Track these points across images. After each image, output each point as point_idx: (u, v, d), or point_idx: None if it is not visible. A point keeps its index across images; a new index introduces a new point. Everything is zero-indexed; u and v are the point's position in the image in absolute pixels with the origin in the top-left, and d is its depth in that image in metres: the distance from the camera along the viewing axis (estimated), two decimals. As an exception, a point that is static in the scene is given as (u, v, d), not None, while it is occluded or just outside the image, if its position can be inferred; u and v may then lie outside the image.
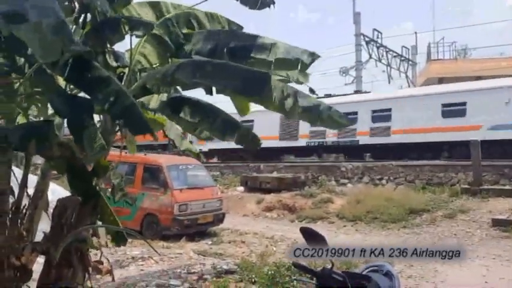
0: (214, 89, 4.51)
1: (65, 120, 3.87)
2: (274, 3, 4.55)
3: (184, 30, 4.82)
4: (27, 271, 3.95)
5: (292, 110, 4.19)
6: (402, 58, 36.05)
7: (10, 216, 3.88)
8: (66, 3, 4.09)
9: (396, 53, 35.60)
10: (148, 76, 4.45)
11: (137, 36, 4.47)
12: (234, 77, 3.88)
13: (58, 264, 4.04)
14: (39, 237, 4.36)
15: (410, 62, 37.11)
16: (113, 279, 5.09)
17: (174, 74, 4.01)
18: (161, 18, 4.83)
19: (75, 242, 4.07)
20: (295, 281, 5.94)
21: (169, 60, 4.84)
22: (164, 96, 5.03)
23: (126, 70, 4.74)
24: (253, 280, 6.34)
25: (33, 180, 4.53)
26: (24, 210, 4.13)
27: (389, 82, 35.03)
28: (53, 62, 3.61)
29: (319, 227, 12.56)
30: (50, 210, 4.38)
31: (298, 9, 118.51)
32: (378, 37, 34.14)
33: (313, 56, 4.51)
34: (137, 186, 12.30)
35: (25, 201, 4.17)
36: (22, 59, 3.75)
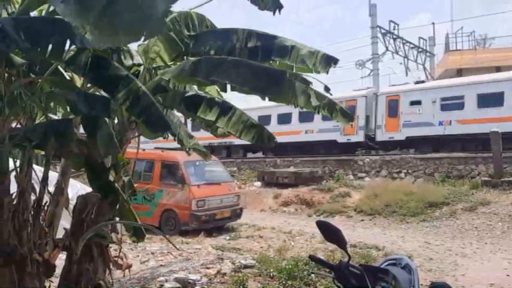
0: (228, 86, 4.54)
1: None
2: (282, 7, 4.54)
3: (185, 31, 4.87)
4: (50, 266, 4.04)
5: (308, 107, 4.26)
6: (420, 49, 35.44)
7: (32, 213, 3.97)
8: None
9: (413, 44, 35.02)
10: (164, 74, 4.49)
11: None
12: (251, 76, 3.89)
13: (79, 260, 4.12)
14: (60, 233, 4.45)
15: (428, 54, 36.47)
16: (124, 275, 5.18)
17: (192, 73, 4.03)
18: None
19: (96, 237, 4.15)
20: (313, 275, 5.94)
21: (185, 58, 4.86)
22: (179, 94, 5.06)
23: (141, 68, 4.79)
24: (271, 275, 6.35)
25: (53, 177, 4.63)
26: (45, 207, 4.22)
27: (406, 74, 34.46)
28: (71, 60, 3.68)
29: (337, 221, 12.52)
30: (71, 206, 4.47)
31: (313, 2, 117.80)
32: (394, 29, 33.64)
33: (332, 61, 4.53)
34: (155, 182, 12.43)
35: (46, 198, 4.26)
36: (41, 58, 3.81)
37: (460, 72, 28.66)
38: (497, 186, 14.02)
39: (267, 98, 4.39)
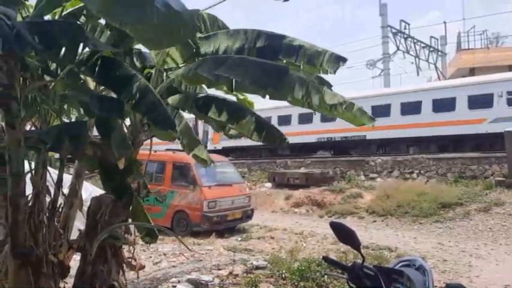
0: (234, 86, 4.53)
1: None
2: None
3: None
4: (64, 267, 4.08)
5: (320, 105, 4.15)
6: (431, 49, 35.17)
7: (47, 214, 4.02)
8: None
9: (425, 43, 34.77)
10: (173, 74, 4.52)
11: None
12: (253, 69, 3.88)
13: (93, 261, 4.16)
14: (74, 235, 4.50)
15: (439, 53, 36.17)
16: (138, 276, 5.21)
17: (196, 69, 4.06)
18: None
19: (109, 238, 4.18)
20: (325, 276, 5.92)
21: (196, 59, 4.88)
22: (191, 95, 5.09)
23: (153, 70, 4.82)
24: (283, 276, 6.33)
25: (67, 179, 4.67)
26: (60, 209, 4.26)
27: (418, 74, 34.28)
28: (83, 63, 3.72)
29: (348, 222, 12.45)
30: (84, 208, 4.51)
31: (313, 2, 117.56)
32: (405, 28, 33.45)
33: (341, 60, 4.46)
34: (167, 184, 12.50)
35: (60, 200, 4.30)
36: (55, 60, 3.85)
37: (472, 72, 28.34)
38: (511, 187, 13.83)
39: (267, 96, 4.34)
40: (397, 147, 21.44)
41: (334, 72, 4.47)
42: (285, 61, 4.53)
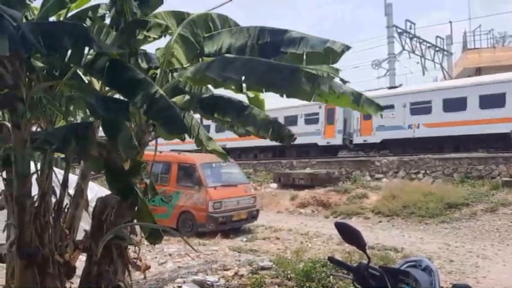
0: (244, 86, 4.52)
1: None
2: None
3: (204, 33, 4.88)
4: (70, 268, 4.10)
5: (329, 93, 4.07)
6: (437, 48, 35.00)
7: (53, 215, 4.03)
8: (100, 10, 4.22)
9: (430, 43, 34.61)
10: (180, 76, 4.52)
11: (155, 39, 4.58)
12: (263, 71, 3.87)
13: (99, 261, 4.17)
14: (80, 235, 4.51)
15: (445, 52, 35.98)
16: (145, 277, 5.21)
17: (205, 71, 4.06)
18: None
19: (115, 239, 4.19)
20: (331, 277, 5.90)
21: (200, 59, 4.89)
22: (196, 96, 5.09)
23: (158, 71, 4.83)
24: (288, 276, 6.32)
25: (73, 180, 4.69)
26: (66, 210, 4.28)
27: (423, 74, 34.12)
28: (90, 64, 3.73)
29: (354, 223, 12.39)
30: (90, 209, 4.52)
31: (328, 2, 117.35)
32: (410, 28, 33.30)
33: (344, 47, 4.39)
34: (172, 184, 12.52)
35: (66, 201, 4.32)
36: (60, 62, 3.86)
37: (479, 71, 28.16)
38: (518, 187, 13.74)
39: (284, 95, 4.31)
40: (248, 155, 27.59)
41: (337, 60, 4.42)
42: (288, 52, 4.49)
